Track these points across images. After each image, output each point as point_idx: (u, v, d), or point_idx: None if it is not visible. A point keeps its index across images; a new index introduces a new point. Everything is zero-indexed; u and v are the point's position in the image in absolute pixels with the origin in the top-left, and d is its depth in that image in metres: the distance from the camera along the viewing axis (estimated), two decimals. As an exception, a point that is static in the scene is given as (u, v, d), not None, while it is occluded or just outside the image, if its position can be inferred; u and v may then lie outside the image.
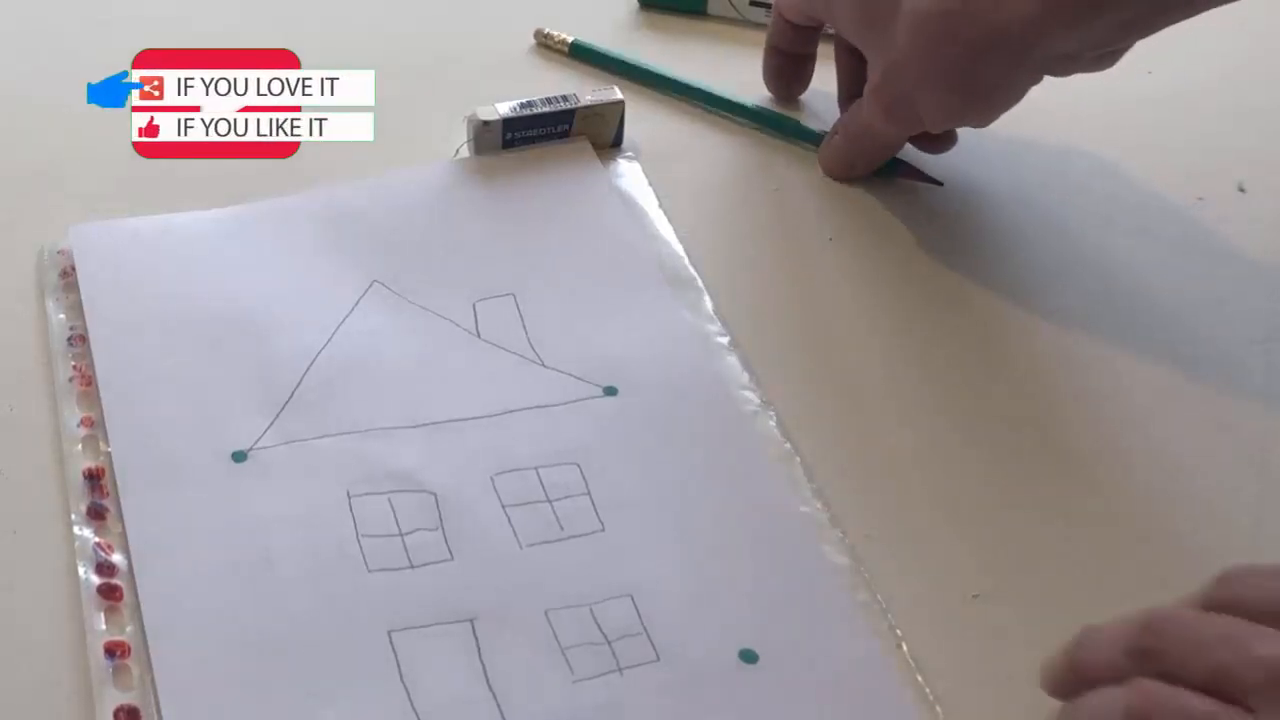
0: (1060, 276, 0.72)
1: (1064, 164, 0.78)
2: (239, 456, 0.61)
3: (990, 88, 0.68)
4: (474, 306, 0.67)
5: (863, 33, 0.72)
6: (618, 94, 0.76)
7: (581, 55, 0.83)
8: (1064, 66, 0.67)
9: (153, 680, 0.54)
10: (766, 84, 0.81)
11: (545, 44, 0.84)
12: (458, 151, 0.75)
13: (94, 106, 0.79)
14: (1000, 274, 0.72)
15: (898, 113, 0.71)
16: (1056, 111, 0.78)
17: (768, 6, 0.85)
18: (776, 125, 0.79)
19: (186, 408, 0.62)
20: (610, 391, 0.64)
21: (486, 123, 0.74)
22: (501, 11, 0.87)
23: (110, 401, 0.62)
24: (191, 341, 0.65)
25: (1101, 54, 0.67)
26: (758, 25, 0.86)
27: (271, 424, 0.62)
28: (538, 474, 0.61)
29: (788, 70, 0.81)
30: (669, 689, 0.54)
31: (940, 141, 0.75)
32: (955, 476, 0.63)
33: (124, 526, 0.58)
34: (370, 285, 0.68)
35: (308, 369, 0.64)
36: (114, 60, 0.82)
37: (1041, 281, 0.71)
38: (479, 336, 0.66)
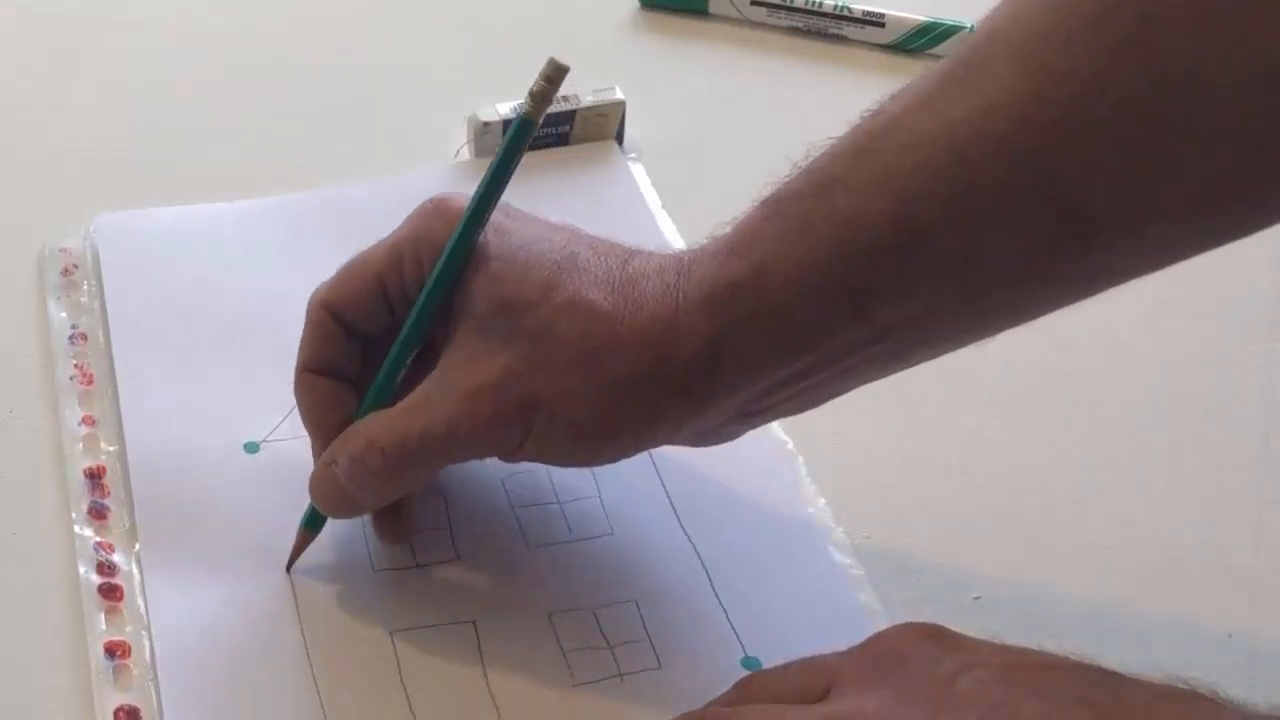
0: (1061, 276, 0.72)
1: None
2: (251, 448, 0.61)
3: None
4: None
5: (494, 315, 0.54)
6: (619, 94, 0.76)
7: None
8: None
9: (155, 677, 0.54)
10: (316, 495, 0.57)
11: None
12: (458, 153, 0.75)
13: (94, 106, 0.79)
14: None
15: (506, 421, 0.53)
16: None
17: (770, 6, 0.85)
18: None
19: (201, 397, 0.63)
20: None
21: (487, 123, 0.74)
22: (501, 11, 0.87)
23: (126, 388, 0.63)
24: (208, 332, 0.65)
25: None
26: (760, 25, 0.86)
27: (285, 418, 0.62)
28: (548, 475, 0.61)
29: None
30: (670, 696, 0.54)
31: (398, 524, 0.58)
32: (955, 477, 0.63)
33: (127, 523, 0.58)
34: None
35: None
36: (115, 60, 0.82)
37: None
38: None
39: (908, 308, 0.51)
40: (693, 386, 0.52)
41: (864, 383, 0.54)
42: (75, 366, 0.64)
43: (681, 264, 0.53)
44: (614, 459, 0.55)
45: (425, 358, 0.55)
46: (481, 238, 0.54)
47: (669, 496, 0.61)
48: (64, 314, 0.66)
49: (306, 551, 0.57)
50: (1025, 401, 0.66)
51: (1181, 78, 0.46)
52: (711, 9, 0.87)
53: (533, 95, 0.53)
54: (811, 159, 0.52)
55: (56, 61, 0.82)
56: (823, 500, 0.61)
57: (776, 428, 0.63)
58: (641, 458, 0.61)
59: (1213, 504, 0.62)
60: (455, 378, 0.53)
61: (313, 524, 0.57)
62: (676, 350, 0.52)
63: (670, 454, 0.62)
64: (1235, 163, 0.47)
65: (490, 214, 0.54)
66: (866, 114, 0.51)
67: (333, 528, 0.58)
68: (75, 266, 0.68)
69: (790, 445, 0.63)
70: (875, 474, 0.62)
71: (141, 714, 0.53)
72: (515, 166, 0.54)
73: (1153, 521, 0.61)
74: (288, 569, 0.57)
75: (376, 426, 0.54)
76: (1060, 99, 0.48)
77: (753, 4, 0.86)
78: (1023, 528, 0.61)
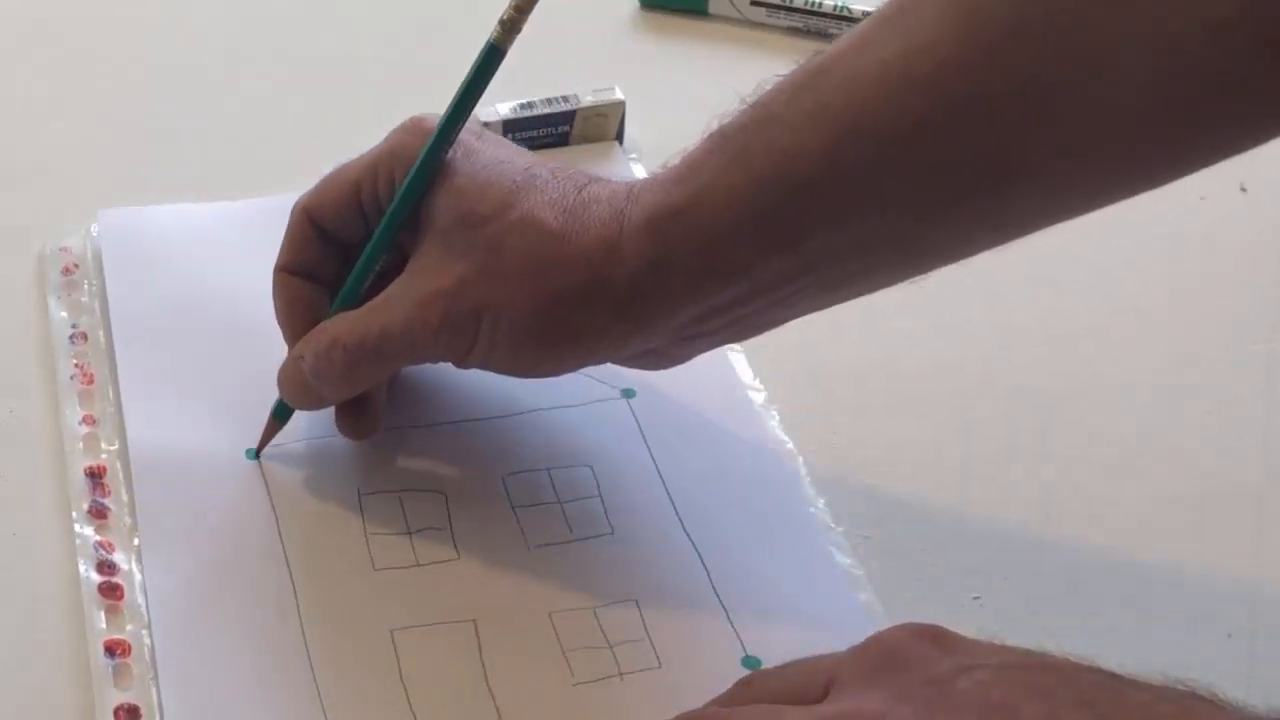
0: (1061, 276, 0.72)
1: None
2: (252, 452, 0.61)
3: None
4: None
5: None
6: (619, 94, 0.76)
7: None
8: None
9: (155, 676, 0.54)
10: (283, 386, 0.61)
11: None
12: (458, 151, 0.75)
13: (94, 106, 0.79)
14: (1000, 274, 0.72)
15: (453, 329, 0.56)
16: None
17: (770, 6, 0.85)
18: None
19: (202, 396, 0.63)
20: (628, 394, 0.64)
21: (486, 124, 0.74)
22: (501, 11, 0.87)
23: (127, 386, 0.63)
24: (209, 330, 0.65)
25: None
26: (760, 25, 0.86)
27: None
28: (549, 475, 0.61)
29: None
30: (669, 695, 0.54)
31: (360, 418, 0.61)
32: (955, 476, 0.63)
33: (128, 522, 0.58)
34: None
35: None
36: (115, 60, 0.82)
37: (1041, 281, 0.71)
38: None
39: (836, 241, 0.54)
40: (631, 306, 0.55)
41: (800, 314, 0.57)
42: (75, 366, 0.64)
43: (631, 191, 0.56)
44: (556, 370, 0.58)
45: (399, 267, 0.58)
46: (451, 156, 0.57)
47: (669, 496, 0.61)
48: (64, 314, 0.67)
49: (306, 551, 0.58)
50: (1025, 402, 0.66)
51: (1097, 26, 0.49)
52: (711, 9, 0.87)
53: (502, 23, 0.57)
54: (757, 94, 0.55)
55: (56, 61, 0.82)
56: (823, 500, 0.61)
57: (776, 428, 0.63)
58: (642, 458, 0.62)
59: (1213, 504, 0.62)
60: (415, 283, 0.57)
61: (280, 414, 0.61)
62: (617, 271, 0.55)
63: (670, 454, 0.62)
64: (1147, 107, 0.50)
65: (457, 133, 0.58)
66: (812, 54, 0.54)
67: (333, 527, 0.58)
68: (76, 266, 0.68)
69: (790, 445, 0.63)
70: (875, 474, 0.62)
71: (141, 713, 0.53)
72: (482, 91, 0.58)
73: (1153, 521, 0.61)
74: (257, 454, 0.61)
75: (341, 325, 0.58)
76: (983, 42, 0.50)
77: (753, 4, 0.86)
78: (1023, 528, 0.61)
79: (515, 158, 0.58)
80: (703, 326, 0.56)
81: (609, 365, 0.64)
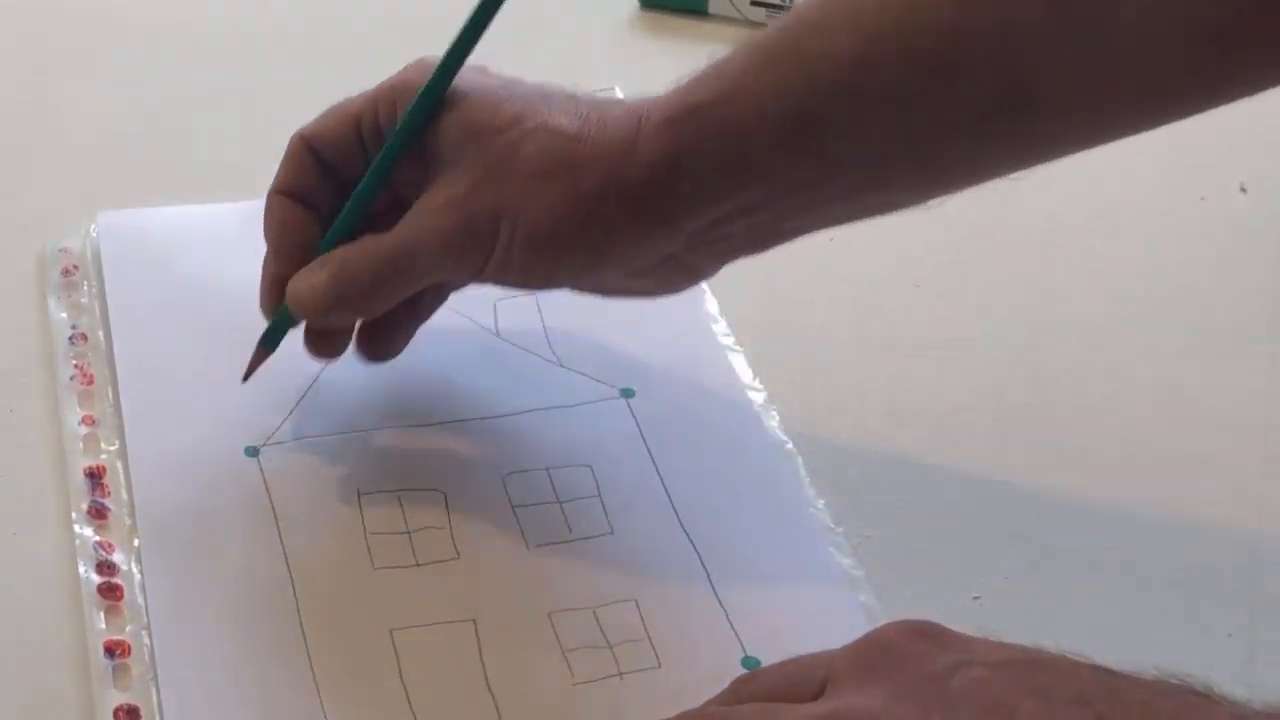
0: (1061, 276, 0.72)
1: (1064, 163, 0.78)
2: (251, 451, 0.61)
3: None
4: (495, 306, 0.67)
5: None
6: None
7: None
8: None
9: (155, 676, 0.54)
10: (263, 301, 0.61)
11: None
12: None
13: (94, 106, 0.79)
14: (1000, 274, 0.72)
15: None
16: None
17: (770, 6, 0.85)
18: None
19: (202, 399, 0.63)
20: (628, 393, 0.64)
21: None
22: (501, 11, 0.87)
23: (126, 387, 0.63)
24: (209, 331, 0.65)
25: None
26: (759, 25, 0.86)
27: (285, 419, 0.62)
28: (549, 475, 0.61)
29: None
30: (669, 695, 0.54)
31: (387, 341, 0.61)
32: (955, 476, 0.63)
33: (127, 523, 0.58)
34: None
35: (324, 366, 0.64)
36: (115, 60, 0.82)
37: (1041, 281, 0.71)
38: (498, 335, 0.66)
39: (856, 146, 0.54)
40: (647, 205, 0.55)
41: (818, 225, 0.57)
42: (75, 366, 0.64)
43: (651, 99, 0.56)
44: (572, 276, 0.58)
45: (396, 214, 0.57)
46: (456, 86, 0.57)
47: (669, 496, 0.61)
48: (64, 314, 0.67)
49: (306, 551, 0.58)
50: (1025, 402, 0.66)
51: None
52: (711, 9, 0.87)
53: None
54: (794, 7, 0.57)
55: (56, 61, 0.82)
56: (823, 500, 0.61)
57: (776, 428, 0.63)
58: (641, 458, 0.62)
59: (1213, 503, 0.62)
60: (429, 200, 0.56)
61: (270, 342, 0.60)
62: (634, 169, 0.55)
63: (670, 454, 0.62)
64: (1179, 33, 0.51)
65: (460, 65, 0.57)
66: None
67: (333, 527, 0.58)
68: (75, 267, 0.68)
69: (790, 445, 0.63)
70: (875, 474, 0.62)
71: (141, 713, 0.53)
72: (488, 23, 0.57)
73: (1153, 521, 0.61)
74: (245, 380, 0.61)
75: (353, 248, 0.57)
76: None
77: (753, 4, 0.86)
78: (1023, 528, 0.61)
79: (525, 82, 0.58)
80: (720, 230, 0.56)
81: (608, 365, 0.64)
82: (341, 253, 0.57)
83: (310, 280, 0.58)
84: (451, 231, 0.55)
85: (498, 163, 0.55)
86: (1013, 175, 0.56)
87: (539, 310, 0.67)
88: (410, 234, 0.56)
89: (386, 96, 0.58)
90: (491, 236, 0.55)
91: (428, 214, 0.56)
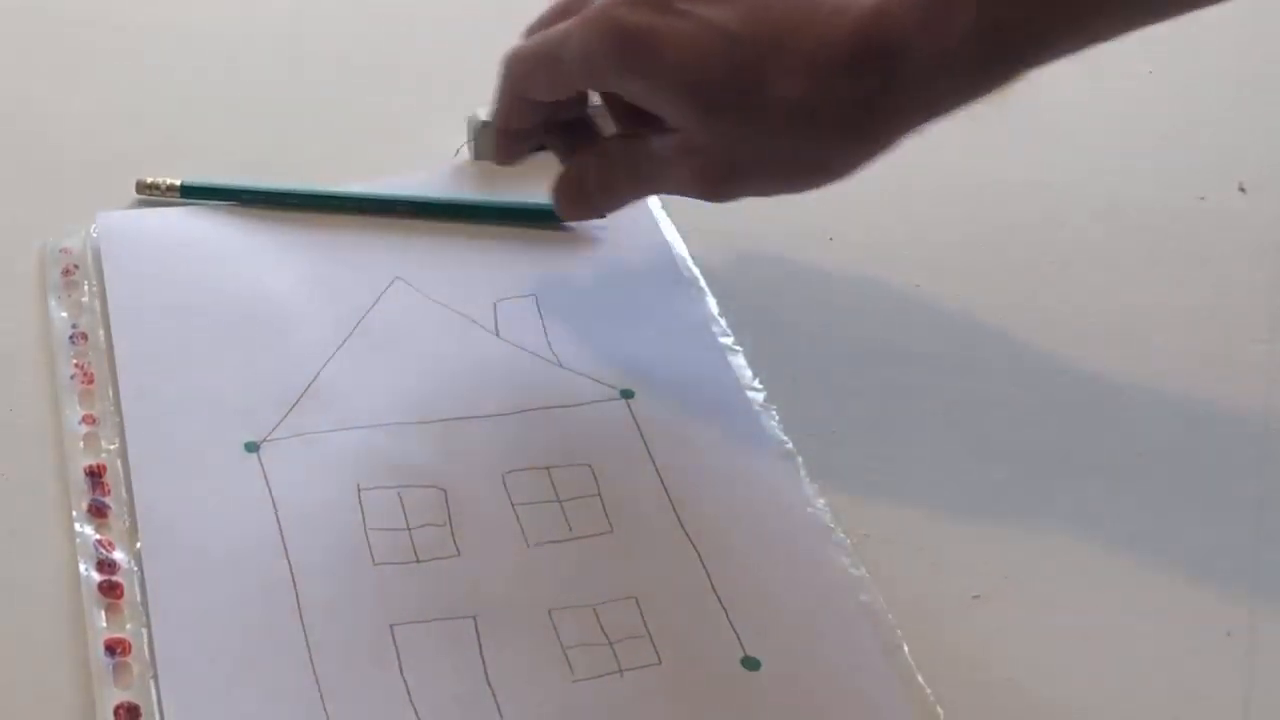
0: (1061, 276, 0.72)
1: (1064, 163, 0.78)
2: (251, 447, 0.61)
3: None
4: (495, 306, 0.67)
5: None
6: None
7: (195, 195, 0.72)
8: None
9: (155, 674, 0.54)
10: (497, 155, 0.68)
11: (149, 193, 0.72)
12: (458, 152, 0.75)
13: (94, 106, 0.79)
14: (1000, 274, 0.72)
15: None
16: (1057, 111, 0.78)
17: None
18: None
19: (202, 396, 0.63)
20: (627, 394, 0.64)
21: (486, 123, 0.74)
22: (502, 11, 0.87)
23: (127, 385, 0.63)
24: (210, 331, 0.65)
25: None
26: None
27: (285, 416, 0.62)
28: (549, 474, 0.61)
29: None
30: (669, 692, 0.54)
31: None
32: (955, 476, 0.63)
33: (127, 521, 0.58)
34: (392, 281, 0.68)
35: (325, 363, 0.64)
36: (115, 60, 0.82)
37: (1042, 281, 0.71)
38: (498, 335, 0.66)
39: None
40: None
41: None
42: (76, 366, 0.64)
43: None
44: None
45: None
46: None
47: (668, 495, 0.61)
48: (64, 314, 0.67)
49: (306, 547, 0.58)
50: (1025, 403, 0.66)
51: None
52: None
53: None
54: None
55: (56, 61, 0.82)
56: (823, 500, 0.61)
57: (776, 428, 0.63)
58: (641, 457, 0.62)
59: (1213, 504, 0.62)
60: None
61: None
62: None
63: (670, 453, 0.62)
64: None
65: None
66: None
67: (333, 523, 0.58)
68: (76, 267, 0.68)
69: (790, 445, 0.63)
70: (875, 474, 0.63)
71: (141, 711, 0.53)
72: None
73: (1152, 521, 0.61)
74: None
75: (614, 142, 0.64)
76: None
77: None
78: (1023, 528, 0.61)
79: None
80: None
81: (609, 364, 0.64)
82: (604, 143, 0.65)
83: (570, 183, 0.66)
84: (719, 71, 0.57)
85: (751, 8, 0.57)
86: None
87: (539, 310, 0.67)
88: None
89: None
90: (759, 77, 0.57)
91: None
